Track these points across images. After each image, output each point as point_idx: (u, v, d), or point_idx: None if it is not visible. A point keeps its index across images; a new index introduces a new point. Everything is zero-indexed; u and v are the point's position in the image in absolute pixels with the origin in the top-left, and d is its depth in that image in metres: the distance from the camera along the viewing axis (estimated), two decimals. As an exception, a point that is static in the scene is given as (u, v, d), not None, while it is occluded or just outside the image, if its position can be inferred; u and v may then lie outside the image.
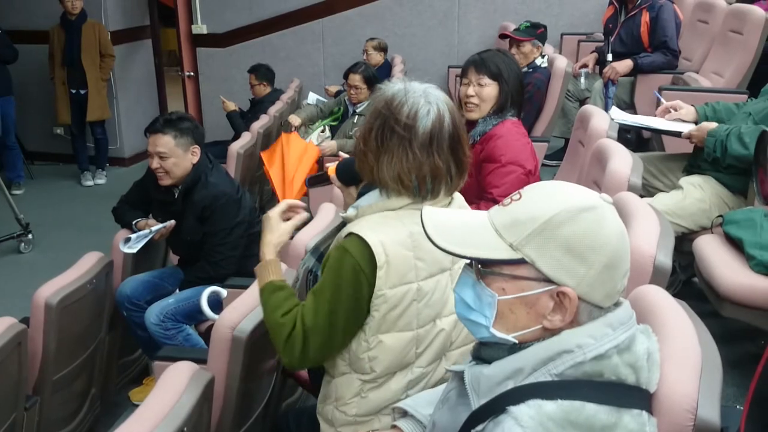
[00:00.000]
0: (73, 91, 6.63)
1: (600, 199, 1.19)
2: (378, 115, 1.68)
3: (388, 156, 1.66)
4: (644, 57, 4.77)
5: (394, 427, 1.61)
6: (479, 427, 1.17)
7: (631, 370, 1.16)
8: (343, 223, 1.83)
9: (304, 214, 1.92)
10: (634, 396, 1.16)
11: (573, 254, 1.13)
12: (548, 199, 1.18)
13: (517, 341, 1.19)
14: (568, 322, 1.16)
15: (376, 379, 1.74)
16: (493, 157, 2.74)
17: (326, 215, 2.64)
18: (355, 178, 1.90)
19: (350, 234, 1.66)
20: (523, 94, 2.92)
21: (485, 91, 2.80)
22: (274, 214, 1.87)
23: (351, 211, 1.76)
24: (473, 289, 1.22)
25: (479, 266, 1.20)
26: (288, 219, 1.89)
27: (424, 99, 1.67)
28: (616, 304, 1.19)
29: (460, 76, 2.91)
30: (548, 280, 1.15)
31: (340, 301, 1.65)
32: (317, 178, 2.11)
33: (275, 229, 1.86)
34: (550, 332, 1.17)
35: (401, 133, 1.65)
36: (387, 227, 1.66)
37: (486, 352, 1.24)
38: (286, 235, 1.87)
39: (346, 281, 1.64)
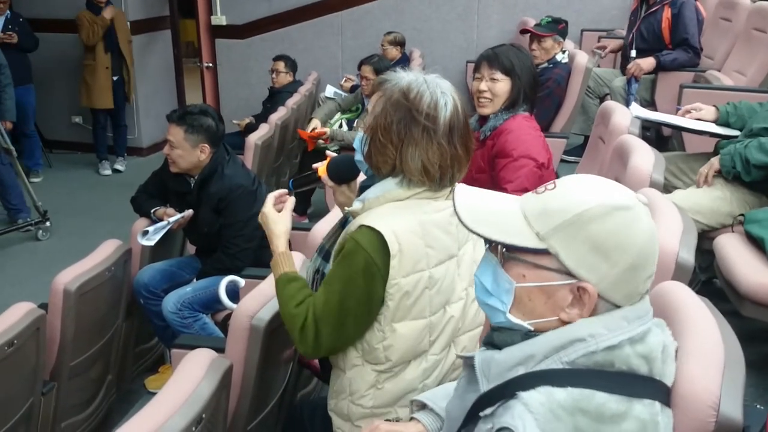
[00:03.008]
0: (115, 78, 6.73)
1: (636, 199, 1.16)
2: (397, 106, 1.67)
3: (412, 147, 1.66)
4: (667, 54, 4.72)
5: (412, 419, 1.60)
6: (488, 411, 1.16)
7: (644, 360, 1.15)
8: (345, 219, 1.83)
9: (291, 198, 1.93)
10: (645, 386, 1.16)
11: (599, 251, 1.12)
12: (582, 192, 1.16)
13: (532, 328, 1.19)
14: (585, 317, 1.15)
15: (392, 368, 1.75)
16: (504, 152, 2.73)
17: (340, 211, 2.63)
18: (348, 175, 1.90)
19: (361, 226, 1.66)
20: (536, 90, 2.90)
21: (498, 86, 2.78)
22: (268, 208, 1.90)
23: (357, 205, 1.75)
24: (493, 274, 1.22)
25: (503, 250, 1.19)
26: (280, 210, 1.91)
27: (440, 90, 1.68)
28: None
29: (473, 71, 2.89)
30: (570, 274, 1.14)
31: (351, 293, 1.67)
32: (304, 179, 2.04)
33: (277, 220, 1.88)
34: (566, 324, 1.17)
35: (425, 123, 1.66)
36: (397, 217, 1.67)
37: (499, 337, 1.23)
38: (288, 221, 1.90)
39: (357, 273, 1.65)
